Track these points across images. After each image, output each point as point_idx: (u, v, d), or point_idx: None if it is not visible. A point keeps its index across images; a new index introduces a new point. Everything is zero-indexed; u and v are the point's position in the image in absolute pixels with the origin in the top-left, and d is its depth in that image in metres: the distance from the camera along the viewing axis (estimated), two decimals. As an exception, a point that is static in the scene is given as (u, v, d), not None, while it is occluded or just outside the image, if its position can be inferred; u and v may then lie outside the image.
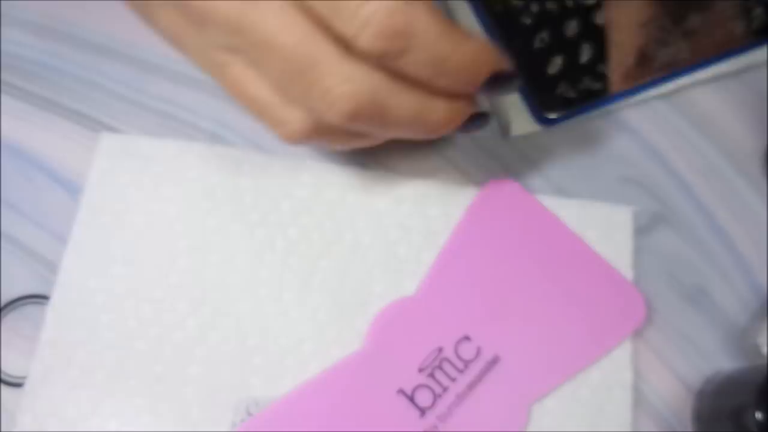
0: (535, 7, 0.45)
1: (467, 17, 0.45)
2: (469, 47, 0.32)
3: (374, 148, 0.38)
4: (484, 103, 0.36)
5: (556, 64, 0.45)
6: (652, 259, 0.45)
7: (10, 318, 0.42)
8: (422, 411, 0.39)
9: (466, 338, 0.41)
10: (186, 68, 0.48)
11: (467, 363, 0.40)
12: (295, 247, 0.43)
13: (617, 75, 0.46)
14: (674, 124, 0.48)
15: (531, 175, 0.46)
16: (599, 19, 0.45)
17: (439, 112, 0.34)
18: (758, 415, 0.35)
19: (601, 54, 0.45)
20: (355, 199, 0.44)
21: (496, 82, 0.34)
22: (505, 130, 0.44)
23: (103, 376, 0.40)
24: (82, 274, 0.42)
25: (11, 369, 0.41)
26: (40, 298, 0.42)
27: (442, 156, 0.40)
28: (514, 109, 0.44)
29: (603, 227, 0.44)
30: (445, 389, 0.40)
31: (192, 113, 0.47)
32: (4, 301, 0.42)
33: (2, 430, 0.39)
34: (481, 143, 0.46)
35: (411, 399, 0.39)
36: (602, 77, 0.45)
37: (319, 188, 0.44)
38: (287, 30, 0.30)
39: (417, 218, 0.44)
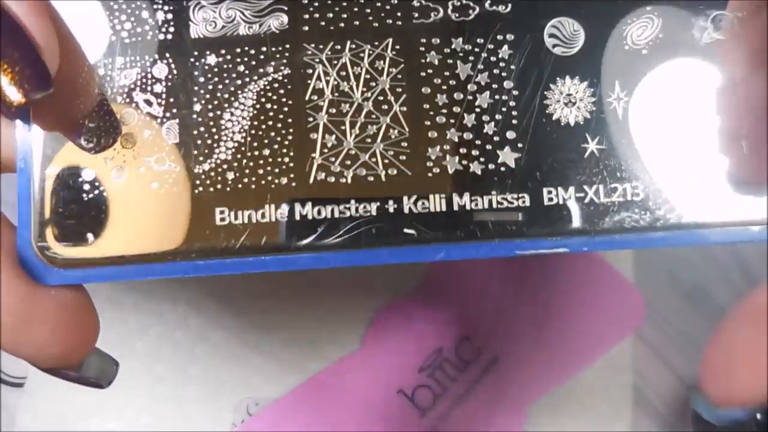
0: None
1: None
2: None
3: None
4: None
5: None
6: (652, 259, 0.45)
7: (10, 318, 0.42)
8: (422, 411, 0.39)
9: (466, 338, 0.41)
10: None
11: (467, 363, 0.40)
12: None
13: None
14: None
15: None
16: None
17: None
18: (758, 416, 0.35)
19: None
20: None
21: None
22: None
23: (104, 376, 0.40)
24: (81, 274, 0.42)
25: (11, 369, 0.40)
26: (40, 299, 0.42)
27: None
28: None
29: (603, 227, 0.44)
30: (445, 389, 0.40)
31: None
32: (4, 301, 0.42)
33: (2, 430, 0.39)
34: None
35: (411, 399, 0.39)
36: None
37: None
38: None
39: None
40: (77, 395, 0.40)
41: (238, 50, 0.24)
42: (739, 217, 0.23)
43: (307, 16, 0.24)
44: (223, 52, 0.23)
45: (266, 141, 0.23)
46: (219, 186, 0.23)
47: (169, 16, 0.24)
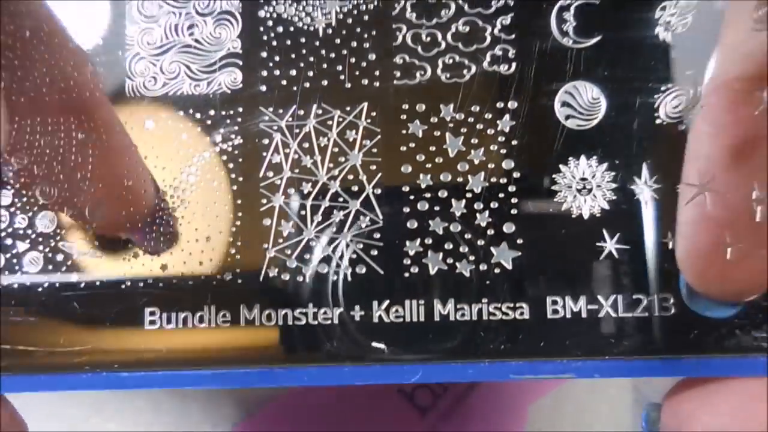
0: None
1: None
2: None
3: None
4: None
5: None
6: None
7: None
8: (422, 411, 0.32)
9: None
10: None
11: (467, 362, 0.34)
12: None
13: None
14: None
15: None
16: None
17: None
18: None
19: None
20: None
21: None
22: None
23: (108, 379, 0.34)
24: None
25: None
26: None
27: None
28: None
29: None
30: (445, 389, 0.32)
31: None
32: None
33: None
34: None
35: (411, 399, 0.32)
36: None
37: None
38: None
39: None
40: (77, 395, 0.33)
41: (182, 113, 0.15)
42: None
43: (265, 73, 0.15)
44: (163, 115, 0.15)
45: (209, 225, 0.15)
46: (150, 281, 0.14)
47: (100, 69, 0.15)
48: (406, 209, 0.15)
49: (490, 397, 0.33)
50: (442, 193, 0.15)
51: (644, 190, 0.15)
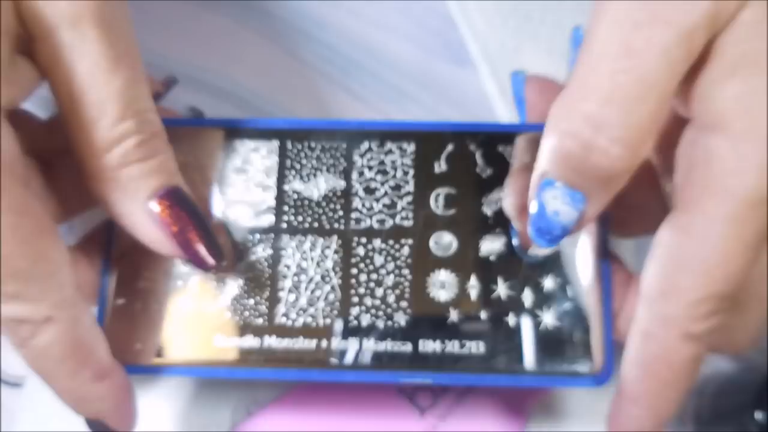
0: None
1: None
2: None
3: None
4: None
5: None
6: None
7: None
8: (422, 411, 0.33)
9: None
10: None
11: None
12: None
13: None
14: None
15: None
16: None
17: None
18: (758, 415, 0.29)
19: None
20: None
21: None
22: None
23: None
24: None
25: (11, 369, 0.34)
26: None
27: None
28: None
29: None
30: (445, 389, 0.33)
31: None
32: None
33: (2, 430, 0.32)
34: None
35: (411, 399, 0.34)
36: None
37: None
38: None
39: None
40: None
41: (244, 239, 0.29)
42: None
43: (285, 218, 0.29)
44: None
45: (251, 297, 0.29)
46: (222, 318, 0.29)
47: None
48: (352, 291, 0.29)
49: (491, 397, 0.33)
50: (371, 284, 0.29)
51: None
